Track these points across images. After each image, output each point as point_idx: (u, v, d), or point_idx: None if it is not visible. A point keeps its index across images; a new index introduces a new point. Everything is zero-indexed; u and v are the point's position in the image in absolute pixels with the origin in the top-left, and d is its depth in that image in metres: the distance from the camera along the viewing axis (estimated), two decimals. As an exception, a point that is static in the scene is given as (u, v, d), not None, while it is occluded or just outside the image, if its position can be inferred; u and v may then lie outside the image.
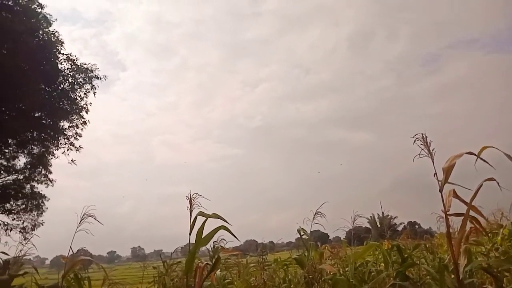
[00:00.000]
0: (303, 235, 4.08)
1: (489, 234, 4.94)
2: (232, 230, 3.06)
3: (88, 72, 17.84)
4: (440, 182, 2.58)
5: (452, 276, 4.27)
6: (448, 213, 2.53)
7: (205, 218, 2.96)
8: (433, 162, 2.68)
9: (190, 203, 3.15)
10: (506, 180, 2.66)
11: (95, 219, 3.35)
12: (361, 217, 6.54)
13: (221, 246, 5.49)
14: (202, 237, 2.95)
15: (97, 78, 18.03)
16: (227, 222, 2.92)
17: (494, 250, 5.09)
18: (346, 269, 4.54)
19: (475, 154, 2.51)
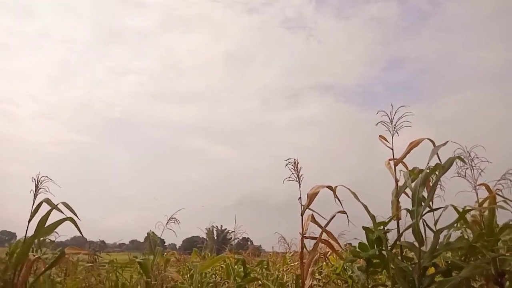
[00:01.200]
0: (152, 238, 3.88)
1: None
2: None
3: None
4: (302, 206, 2.76)
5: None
6: (305, 235, 2.72)
7: (51, 207, 2.57)
8: (299, 187, 2.86)
9: (36, 186, 2.70)
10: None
11: None
12: (215, 227, 6.58)
13: (49, 239, 4.86)
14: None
15: None
16: (77, 216, 2.60)
17: (318, 273, 5.69)
18: (186, 276, 4.51)
19: (332, 189, 2.80)
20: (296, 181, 2.86)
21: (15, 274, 2.61)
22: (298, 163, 2.90)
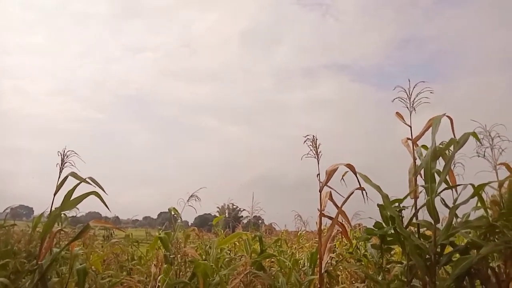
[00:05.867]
0: (173, 214, 3.95)
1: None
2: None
3: None
4: (320, 183, 2.77)
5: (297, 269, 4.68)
6: (323, 213, 2.73)
7: (78, 180, 2.63)
8: (318, 164, 2.86)
9: (62, 160, 2.75)
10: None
11: None
12: (227, 205, 6.69)
13: (64, 214, 4.96)
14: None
15: None
16: (103, 190, 2.65)
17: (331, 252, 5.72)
18: (202, 251, 4.61)
19: (351, 167, 2.78)
20: (315, 157, 2.86)
21: (42, 244, 2.69)
22: (316, 139, 2.88)
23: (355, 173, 2.66)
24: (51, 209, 2.74)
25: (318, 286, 2.88)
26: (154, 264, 3.87)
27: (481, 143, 2.84)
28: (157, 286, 3.36)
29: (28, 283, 2.70)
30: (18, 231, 5.19)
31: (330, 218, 2.77)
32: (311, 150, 2.86)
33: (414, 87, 3.20)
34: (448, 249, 2.97)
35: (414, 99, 3.21)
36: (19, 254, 4.12)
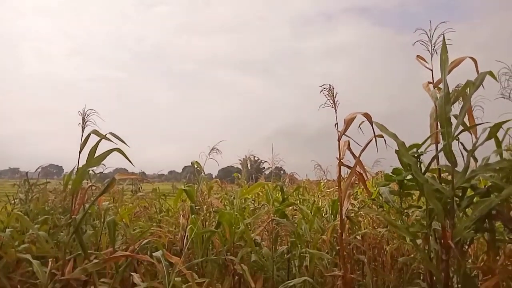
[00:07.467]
0: (196, 168, 4.08)
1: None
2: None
3: None
4: (339, 132, 2.78)
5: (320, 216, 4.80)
6: (342, 161, 2.76)
7: (99, 137, 2.72)
8: (335, 113, 2.85)
9: (83, 119, 2.85)
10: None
11: None
12: (249, 157, 6.81)
13: (93, 171, 5.16)
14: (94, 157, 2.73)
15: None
16: (125, 143, 2.74)
17: (354, 198, 5.81)
18: (226, 202, 4.78)
19: (368, 116, 2.76)
20: (332, 107, 2.85)
21: (73, 200, 2.85)
22: (333, 88, 2.86)
23: (371, 122, 2.65)
24: (77, 167, 2.87)
25: (339, 231, 2.97)
26: (182, 215, 4.05)
27: (497, 80, 2.75)
28: (185, 235, 3.53)
29: (66, 236, 2.89)
30: (51, 189, 5.47)
31: (348, 167, 2.80)
32: (328, 99, 2.85)
33: (435, 29, 3.08)
34: (471, 193, 2.98)
35: (436, 41, 3.10)
36: (55, 210, 4.38)
